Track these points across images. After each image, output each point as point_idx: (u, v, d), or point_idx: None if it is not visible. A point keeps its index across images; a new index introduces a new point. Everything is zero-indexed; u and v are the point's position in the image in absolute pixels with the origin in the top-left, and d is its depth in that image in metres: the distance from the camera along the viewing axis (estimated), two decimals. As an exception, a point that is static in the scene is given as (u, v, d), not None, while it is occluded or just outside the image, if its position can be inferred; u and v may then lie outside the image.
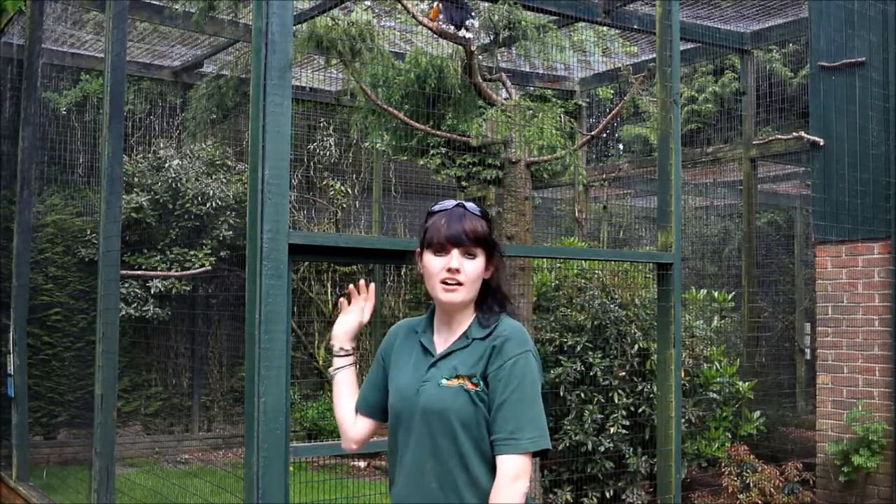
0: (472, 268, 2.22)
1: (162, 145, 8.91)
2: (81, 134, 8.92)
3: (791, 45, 10.53)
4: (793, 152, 7.96)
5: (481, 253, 2.24)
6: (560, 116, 5.65)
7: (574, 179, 9.10)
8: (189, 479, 7.54)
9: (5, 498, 6.39)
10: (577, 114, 9.35)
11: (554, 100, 8.81)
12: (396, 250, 3.47)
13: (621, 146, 13.79)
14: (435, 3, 5.22)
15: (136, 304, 8.11)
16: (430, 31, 5.39)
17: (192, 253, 8.39)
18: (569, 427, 5.85)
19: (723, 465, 6.03)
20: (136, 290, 8.15)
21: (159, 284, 8.14)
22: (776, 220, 10.80)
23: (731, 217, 10.59)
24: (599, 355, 6.02)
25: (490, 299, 2.31)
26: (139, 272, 7.94)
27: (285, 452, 2.87)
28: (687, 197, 9.49)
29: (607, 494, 6.01)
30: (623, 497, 6.05)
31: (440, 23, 5.26)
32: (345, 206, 9.51)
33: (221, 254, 8.61)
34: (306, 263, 9.33)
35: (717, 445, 6.36)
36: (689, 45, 8.44)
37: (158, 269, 8.18)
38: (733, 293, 7.64)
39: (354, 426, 2.39)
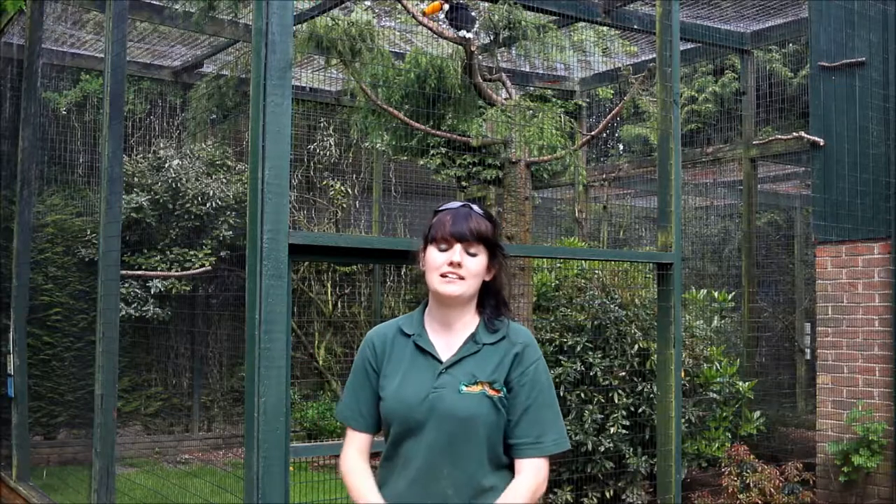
0: (474, 264, 2.24)
1: (162, 145, 8.91)
2: (81, 134, 8.92)
3: (791, 45, 10.53)
4: (793, 152, 7.96)
5: (484, 252, 2.27)
6: (560, 116, 5.66)
7: (574, 179, 9.10)
8: (189, 479, 7.54)
9: (5, 498, 6.39)
10: (577, 114, 9.35)
11: (554, 100, 8.81)
12: (396, 250, 3.46)
13: (621, 146, 13.79)
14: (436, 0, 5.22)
15: (136, 304, 8.11)
16: (430, 31, 5.40)
17: (192, 253, 8.39)
18: (569, 427, 5.85)
19: (723, 465, 6.03)
20: (136, 290, 8.15)
21: (159, 284, 8.14)
22: (776, 220, 10.80)
23: (731, 217, 10.59)
24: (599, 355, 6.02)
25: (492, 302, 2.32)
26: (139, 272, 7.94)
27: (285, 452, 2.87)
28: (687, 197, 9.49)
29: (607, 494, 6.01)
30: (623, 497, 6.05)
31: (441, 23, 5.26)
32: (345, 206, 9.51)
33: (221, 254, 8.61)
34: (306, 263, 9.33)
35: (717, 445, 6.36)
36: (689, 45, 8.44)
37: (158, 269, 8.18)
38: (733, 293, 7.64)
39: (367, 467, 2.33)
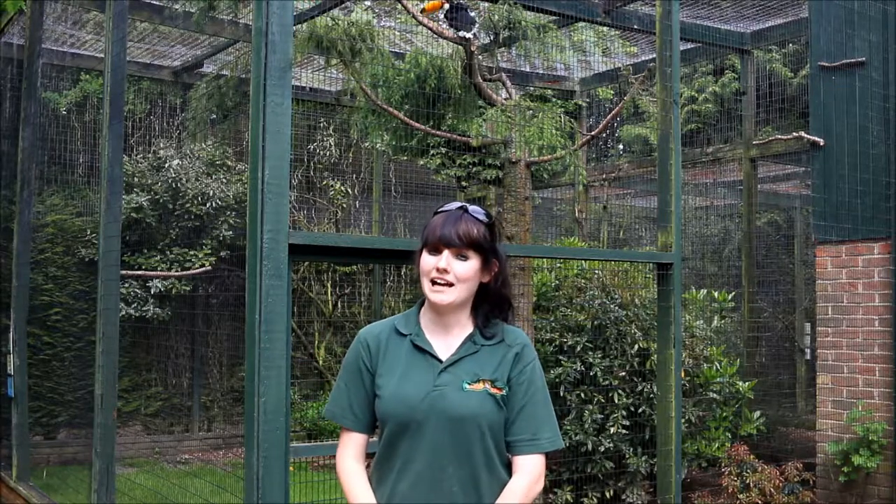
0: (463, 269, 2.23)
1: (162, 145, 8.90)
2: (81, 134, 8.92)
3: (791, 45, 10.53)
4: (793, 152, 7.96)
5: (475, 256, 2.24)
6: (560, 116, 5.65)
7: (574, 179, 9.09)
8: (189, 479, 7.54)
9: (5, 498, 6.38)
10: (577, 114, 9.35)
11: (554, 100, 8.81)
12: (396, 250, 3.46)
13: (621, 146, 13.80)
14: None
15: (136, 304, 8.11)
16: (430, 31, 5.39)
17: (192, 253, 8.39)
18: (569, 427, 5.85)
19: (723, 465, 6.03)
20: (136, 290, 8.15)
21: (159, 284, 8.14)
22: (776, 220, 10.80)
23: (731, 217, 10.59)
24: (599, 355, 6.02)
25: (488, 304, 2.31)
26: (139, 272, 7.93)
27: (285, 452, 2.87)
28: (687, 197, 9.49)
29: (607, 494, 6.01)
30: (623, 497, 6.05)
31: (440, 22, 5.26)
32: (345, 206, 9.51)
33: (221, 254, 8.61)
34: (306, 263, 9.33)
35: (717, 445, 6.36)
36: (689, 45, 8.44)
37: (158, 269, 8.18)
38: (733, 293, 7.64)
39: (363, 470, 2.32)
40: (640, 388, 6.07)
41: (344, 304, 9.91)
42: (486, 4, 5.79)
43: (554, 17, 6.67)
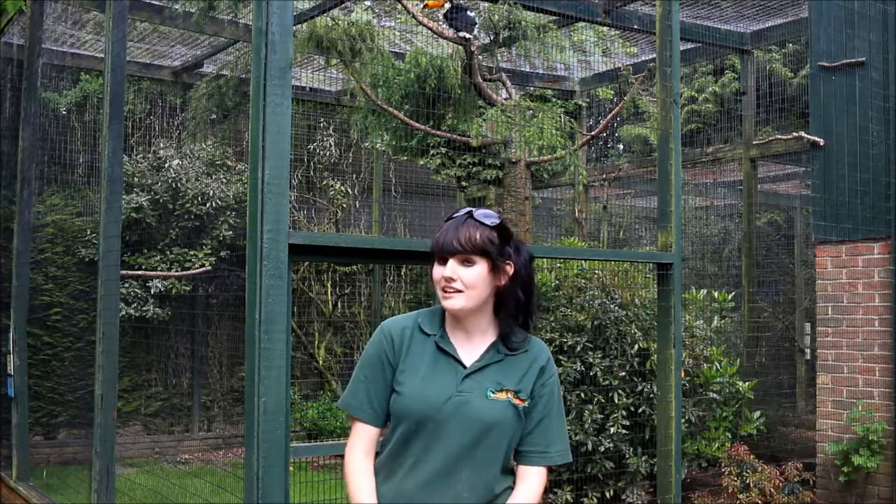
0: (469, 275, 2.21)
1: (162, 145, 8.91)
2: (81, 134, 8.92)
3: (791, 45, 10.53)
4: (793, 152, 7.96)
5: (481, 261, 2.23)
6: (560, 116, 5.66)
7: (574, 179, 9.09)
8: (189, 479, 7.54)
9: (5, 498, 6.39)
10: (577, 114, 9.35)
11: (554, 100, 8.81)
12: (396, 250, 3.46)
13: (621, 146, 13.80)
14: None
15: (136, 304, 8.11)
16: (430, 31, 5.39)
17: (192, 253, 8.39)
18: (569, 427, 5.84)
19: (723, 465, 6.03)
20: (136, 290, 8.15)
21: (159, 284, 8.14)
22: (776, 220, 10.80)
23: (731, 217, 10.59)
24: (599, 355, 6.02)
25: (508, 310, 2.29)
26: (139, 272, 7.93)
27: (285, 452, 2.87)
28: (687, 197, 9.49)
29: (607, 494, 6.01)
30: (623, 497, 6.05)
31: (441, 22, 5.26)
32: (345, 206, 9.51)
33: (221, 254, 8.61)
34: (306, 263, 9.33)
35: (717, 445, 6.35)
36: (689, 45, 8.44)
37: (158, 269, 8.18)
38: (733, 293, 7.63)
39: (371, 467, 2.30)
40: (640, 388, 6.07)
41: (344, 304, 9.91)
42: (486, 4, 5.79)
43: (554, 17, 6.68)
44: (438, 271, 2.24)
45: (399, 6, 5.96)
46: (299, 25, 5.63)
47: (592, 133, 6.69)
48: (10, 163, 7.39)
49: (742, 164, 8.32)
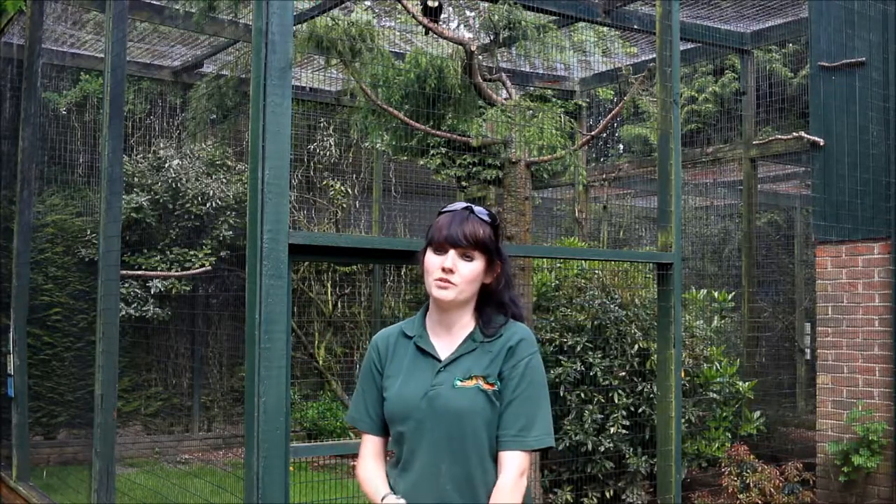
0: (467, 270, 2.24)
1: (162, 145, 8.90)
2: (81, 134, 8.92)
3: (791, 45, 10.53)
4: (793, 152, 7.96)
5: (480, 256, 2.26)
6: (560, 116, 5.65)
7: (574, 179, 9.09)
8: (189, 479, 7.54)
9: (5, 498, 6.39)
10: (577, 114, 9.35)
11: (554, 100, 8.81)
12: (396, 250, 3.47)
13: (621, 146, 13.80)
14: None
15: (136, 304, 8.11)
16: (430, 32, 5.39)
17: (192, 253, 8.39)
18: (569, 427, 5.85)
19: (723, 465, 6.03)
20: (136, 290, 8.15)
21: (159, 284, 8.14)
22: (776, 220, 10.80)
23: (731, 217, 10.59)
24: (599, 355, 6.02)
25: (492, 305, 2.32)
26: (139, 272, 7.93)
27: (285, 452, 2.87)
28: (687, 197, 9.49)
29: (607, 494, 6.01)
30: (623, 497, 6.05)
31: (441, 22, 5.26)
32: (345, 206, 9.51)
33: (221, 254, 8.61)
34: (306, 263, 9.33)
35: (717, 445, 6.36)
36: (689, 45, 8.44)
37: (158, 269, 8.18)
38: (733, 293, 7.64)
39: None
40: (640, 388, 6.07)
41: (344, 304, 9.91)
42: (486, 4, 5.79)
43: (554, 17, 6.67)
44: (435, 260, 2.24)
45: (399, 6, 5.96)
46: (299, 25, 5.63)
47: (592, 133, 6.68)
48: (10, 163, 7.39)
49: (742, 164, 8.32)
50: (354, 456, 2.43)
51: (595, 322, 6.13)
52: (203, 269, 8.22)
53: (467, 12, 7.40)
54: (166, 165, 8.49)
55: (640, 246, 10.55)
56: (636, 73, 6.68)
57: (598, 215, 10.18)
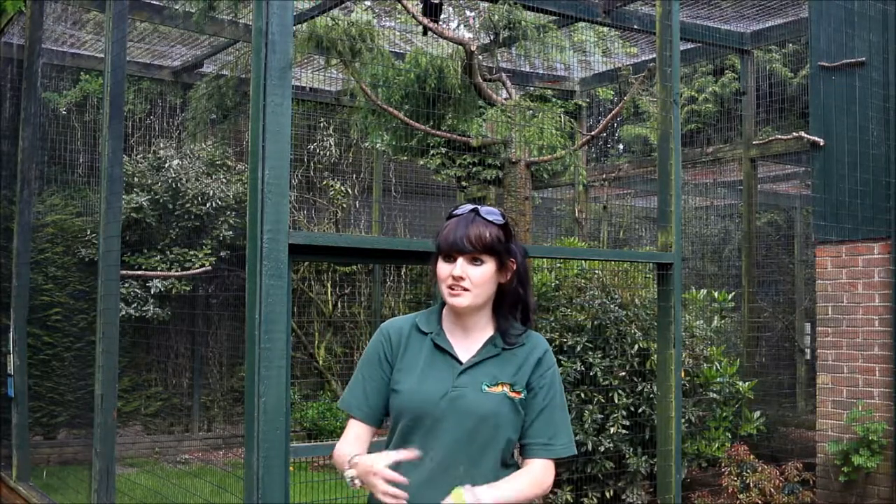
0: (478, 274, 2.23)
1: (162, 145, 8.90)
2: (81, 134, 8.92)
3: (791, 45, 10.53)
4: (793, 152, 7.96)
5: (490, 259, 2.24)
6: (560, 116, 5.66)
7: (574, 179, 9.10)
8: (189, 479, 7.54)
9: (5, 498, 6.39)
10: (577, 114, 9.35)
11: (554, 100, 8.81)
12: (396, 250, 3.47)
13: (621, 146, 13.80)
14: None
15: (136, 304, 8.11)
16: (430, 31, 5.40)
17: (192, 253, 8.39)
18: (569, 427, 5.84)
19: (723, 465, 6.03)
20: (136, 290, 8.15)
21: (159, 284, 8.14)
22: (776, 220, 10.80)
23: (731, 217, 10.59)
24: (599, 355, 6.02)
25: (507, 305, 2.31)
26: (139, 272, 7.93)
27: (285, 452, 2.87)
28: (687, 197, 9.49)
29: (607, 494, 6.01)
30: (623, 497, 6.05)
31: (441, 23, 5.26)
32: (345, 206, 9.51)
33: (221, 254, 8.60)
34: (306, 263, 9.33)
35: (717, 445, 6.35)
36: (689, 45, 8.44)
37: (158, 269, 8.18)
38: (733, 293, 7.64)
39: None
40: (640, 388, 6.07)
41: (344, 304, 9.91)
42: (486, 4, 5.79)
43: (554, 17, 6.68)
44: (446, 269, 2.24)
45: (399, 6, 5.96)
46: (299, 25, 5.63)
47: (592, 133, 6.68)
48: (10, 163, 7.39)
49: (742, 164, 8.32)
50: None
51: (595, 322, 6.13)
52: (203, 269, 8.22)
53: (467, 12, 7.40)
54: (166, 165, 8.49)
55: (640, 246, 10.55)
56: (636, 73, 6.69)
57: (598, 215, 10.18)
